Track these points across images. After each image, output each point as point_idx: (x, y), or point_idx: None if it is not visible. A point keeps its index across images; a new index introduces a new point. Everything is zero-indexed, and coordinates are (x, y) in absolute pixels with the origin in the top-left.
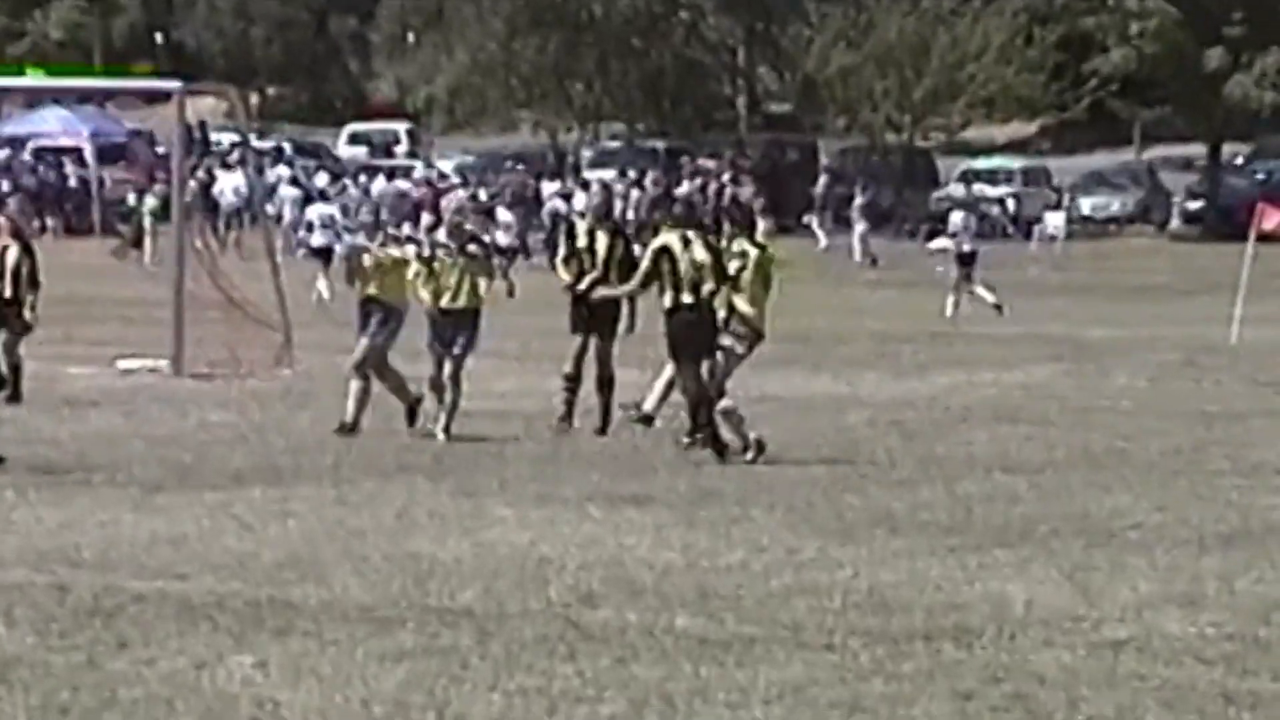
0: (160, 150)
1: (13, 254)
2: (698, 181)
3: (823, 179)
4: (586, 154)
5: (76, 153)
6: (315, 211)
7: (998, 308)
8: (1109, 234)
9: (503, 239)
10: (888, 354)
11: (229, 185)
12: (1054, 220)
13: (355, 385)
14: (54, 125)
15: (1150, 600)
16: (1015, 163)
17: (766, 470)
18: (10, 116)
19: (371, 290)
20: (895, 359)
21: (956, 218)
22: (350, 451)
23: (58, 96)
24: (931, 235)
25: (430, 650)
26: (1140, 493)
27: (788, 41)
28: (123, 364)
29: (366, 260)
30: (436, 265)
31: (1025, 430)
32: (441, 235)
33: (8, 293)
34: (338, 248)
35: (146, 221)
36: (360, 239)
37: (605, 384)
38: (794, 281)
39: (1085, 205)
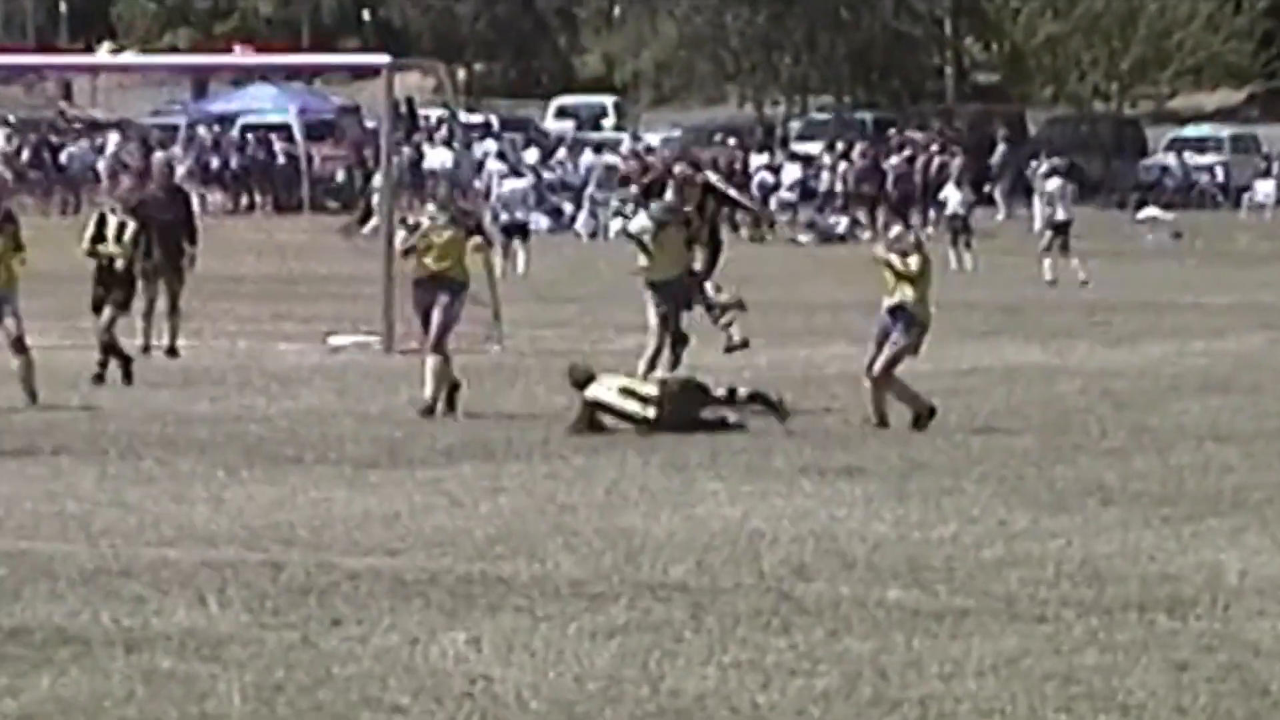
0: (368, 126)
1: (130, 229)
2: (906, 153)
3: (1000, 149)
4: (794, 126)
5: (285, 130)
6: (508, 187)
7: (1084, 283)
8: None
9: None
10: (1097, 324)
11: (437, 160)
12: (1263, 188)
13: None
14: (262, 102)
15: None
16: (1224, 131)
17: (977, 441)
18: (218, 94)
19: (438, 266)
20: (1104, 329)
21: (1053, 185)
22: (559, 427)
23: (266, 73)
24: (1140, 205)
25: (643, 625)
26: None
27: (995, 11)
28: (333, 340)
29: (433, 238)
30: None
31: (1237, 400)
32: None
33: (118, 265)
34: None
35: (374, 199)
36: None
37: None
38: (995, 253)
39: None
